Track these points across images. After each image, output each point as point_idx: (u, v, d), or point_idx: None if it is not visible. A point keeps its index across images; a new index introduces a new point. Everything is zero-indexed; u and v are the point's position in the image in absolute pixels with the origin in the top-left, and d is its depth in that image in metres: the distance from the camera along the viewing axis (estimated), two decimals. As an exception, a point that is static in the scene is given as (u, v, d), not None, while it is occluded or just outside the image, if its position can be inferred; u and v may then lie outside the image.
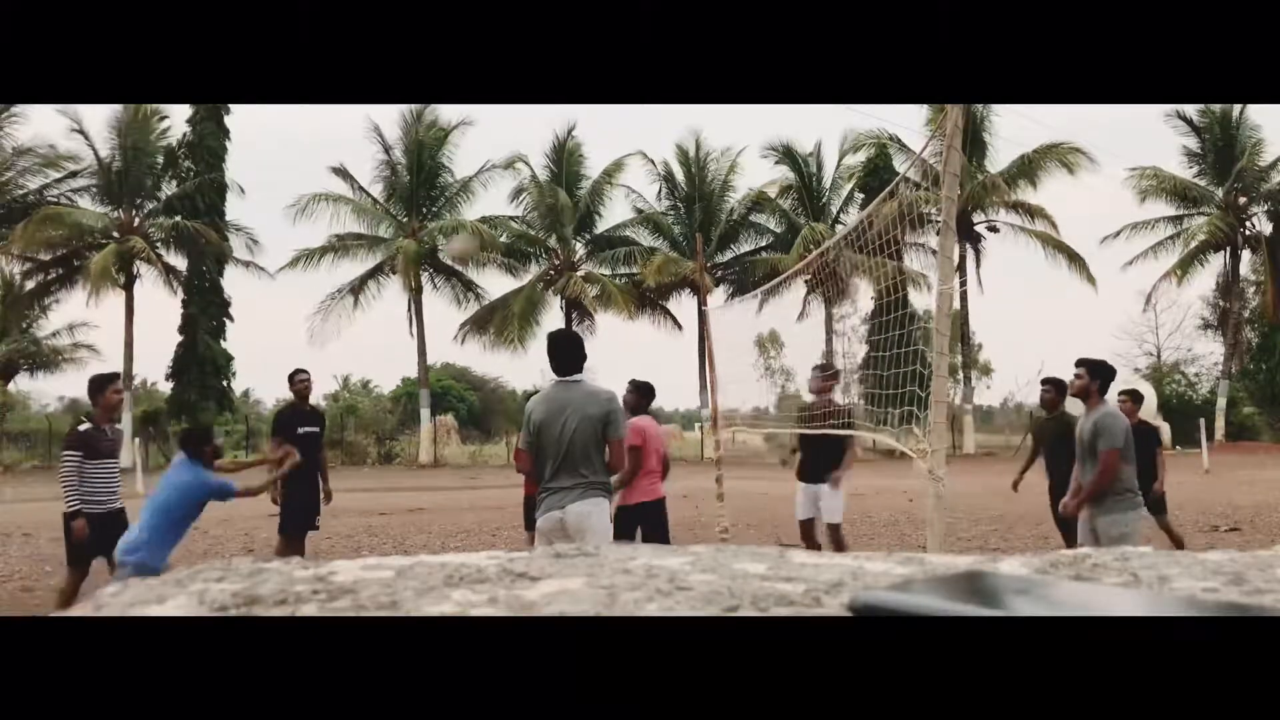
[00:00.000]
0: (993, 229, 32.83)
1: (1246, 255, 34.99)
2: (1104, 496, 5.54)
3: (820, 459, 7.70)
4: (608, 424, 4.88)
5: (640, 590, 0.70)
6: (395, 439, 33.01)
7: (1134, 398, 8.00)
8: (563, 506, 4.84)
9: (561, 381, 5.00)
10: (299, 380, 8.04)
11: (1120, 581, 0.77)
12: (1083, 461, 5.67)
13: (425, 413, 31.96)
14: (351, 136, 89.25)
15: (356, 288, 32.40)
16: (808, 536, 7.75)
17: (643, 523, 6.59)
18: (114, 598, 0.71)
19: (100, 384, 6.63)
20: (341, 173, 32.42)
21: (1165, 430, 31.39)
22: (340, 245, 32.14)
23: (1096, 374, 5.71)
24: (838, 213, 34.17)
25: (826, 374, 8.33)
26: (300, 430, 7.80)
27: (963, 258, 30.98)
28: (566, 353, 5.02)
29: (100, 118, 30.76)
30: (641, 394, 7.09)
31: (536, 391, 5.74)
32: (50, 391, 64.30)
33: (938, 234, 5.18)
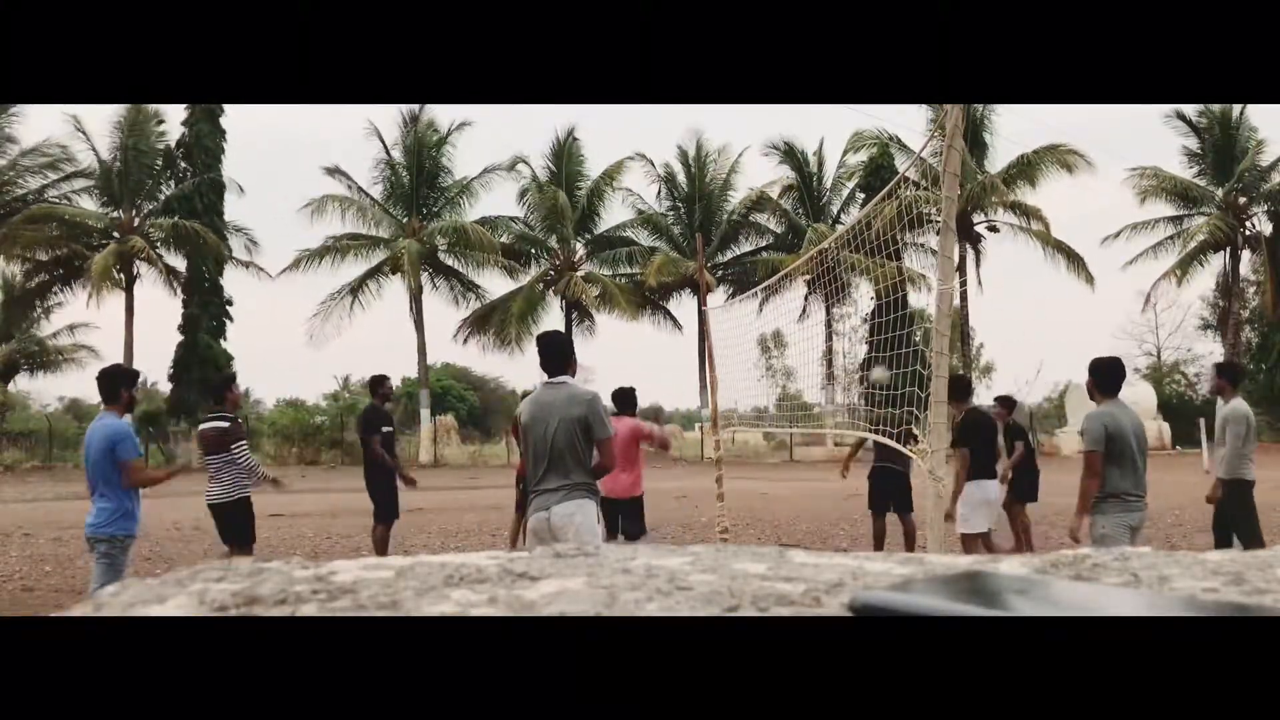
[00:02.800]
0: (993, 229, 32.81)
1: (1246, 255, 35.02)
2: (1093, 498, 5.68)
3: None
4: (590, 425, 4.90)
5: (640, 590, 0.70)
6: (395, 439, 32.99)
7: (1004, 404, 9.65)
8: (548, 508, 4.89)
9: (548, 383, 5.05)
10: (388, 385, 9.30)
11: (1120, 581, 0.77)
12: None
13: (425, 413, 31.97)
14: (352, 137, 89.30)
15: (356, 288, 32.38)
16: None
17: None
18: (114, 597, 0.71)
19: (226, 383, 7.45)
20: (338, 172, 32.37)
21: (1166, 430, 31.44)
22: (340, 246, 32.12)
23: (1092, 373, 5.88)
24: (838, 212, 34.16)
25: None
26: (384, 430, 8.92)
27: (963, 258, 30.96)
28: (553, 354, 5.07)
29: (99, 118, 30.78)
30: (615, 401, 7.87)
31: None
32: (50, 391, 64.41)
33: (938, 234, 5.18)
